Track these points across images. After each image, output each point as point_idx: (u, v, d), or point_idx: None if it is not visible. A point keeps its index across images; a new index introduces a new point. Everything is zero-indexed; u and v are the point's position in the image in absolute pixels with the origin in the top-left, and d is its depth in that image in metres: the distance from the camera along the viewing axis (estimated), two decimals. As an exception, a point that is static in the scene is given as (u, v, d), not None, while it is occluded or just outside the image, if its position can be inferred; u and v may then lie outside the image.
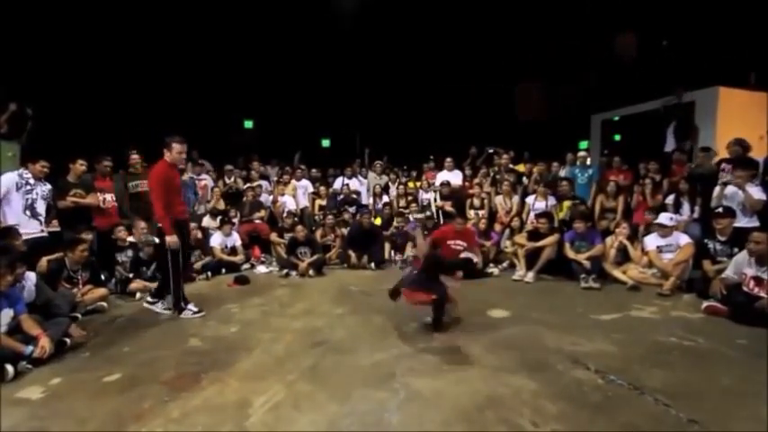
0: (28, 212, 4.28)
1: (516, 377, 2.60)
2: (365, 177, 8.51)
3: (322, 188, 8.06)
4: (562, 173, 7.28)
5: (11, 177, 4.24)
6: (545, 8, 10.37)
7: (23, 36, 7.57)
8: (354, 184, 8.16)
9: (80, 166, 5.15)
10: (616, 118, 10.54)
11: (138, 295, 4.70)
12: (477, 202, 6.99)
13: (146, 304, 4.24)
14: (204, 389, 2.53)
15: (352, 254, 6.30)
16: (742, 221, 4.49)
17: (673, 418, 2.15)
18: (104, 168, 5.57)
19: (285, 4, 10.43)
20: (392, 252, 6.57)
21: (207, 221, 6.63)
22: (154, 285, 4.82)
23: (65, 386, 2.62)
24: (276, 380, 2.63)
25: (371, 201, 7.91)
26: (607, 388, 2.46)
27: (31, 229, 4.25)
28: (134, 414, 2.26)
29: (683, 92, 8.17)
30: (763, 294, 3.54)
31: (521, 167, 8.01)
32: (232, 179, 7.77)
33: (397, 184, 8.32)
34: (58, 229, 4.83)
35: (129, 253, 5.10)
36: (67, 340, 3.19)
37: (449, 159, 8.02)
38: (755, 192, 4.52)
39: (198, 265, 5.74)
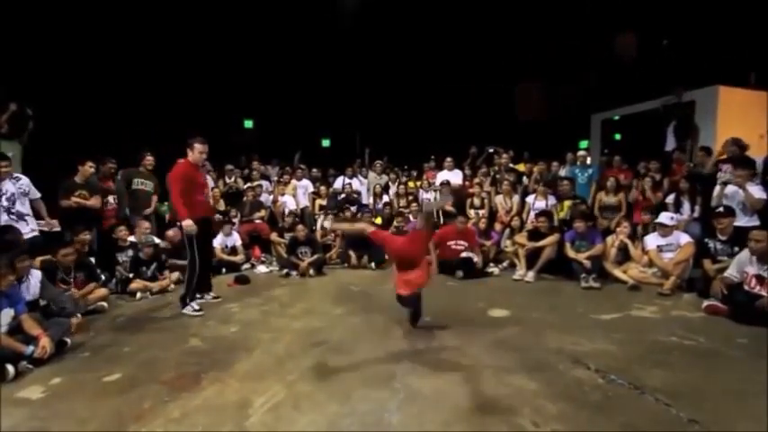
0: (12, 216, 4.12)
1: (516, 377, 2.59)
2: (365, 177, 8.51)
3: (322, 188, 8.07)
4: (562, 172, 7.28)
5: None
6: (545, 8, 10.37)
7: (25, 37, 7.57)
8: (355, 183, 8.16)
9: (89, 168, 5.21)
10: (616, 117, 10.54)
11: (138, 295, 4.70)
12: (477, 201, 6.99)
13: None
14: (204, 389, 2.53)
15: (353, 254, 6.30)
16: (742, 221, 4.49)
17: (673, 417, 2.15)
18: (109, 170, 5.67)
19: (285, 4, 10.42)
20: (392, 252, 6.56)
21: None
22: (154, 285, 4.85)
23: (65, 386, 2.62)
24: (276, 380, 2.62)
25: (372, 200, 7.91)
26: (607, 388, 2.46)
27: (21, 230, 4.13)
28: (134, 414, 2.26)
29: (682, 91, 8.17)
30: (764, 293, 3.54)
31: (521, 167, 8.01)
32: (232, 179, 7.77)
33: (397, 183, 8.31)
34: (58, 229, 4.82)
35: (130, 253, 5.10)
36: (68, 340, 3.19)
37: (449, 159, 8.02)
38: (756, 191, 4.52)
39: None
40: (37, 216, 4.49)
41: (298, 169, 8.26)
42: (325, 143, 13.20)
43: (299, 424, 2.15)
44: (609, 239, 5.33)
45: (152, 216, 5.93)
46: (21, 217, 4.21)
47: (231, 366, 2.85)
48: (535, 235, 5.51)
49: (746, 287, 3.70)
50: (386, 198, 7.89)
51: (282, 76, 11.86)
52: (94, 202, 5.25)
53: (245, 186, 7.40)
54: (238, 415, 2.24)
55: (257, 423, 2.17)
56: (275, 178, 8.40)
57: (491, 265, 5.86)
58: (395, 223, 6.76)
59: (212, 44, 10.39)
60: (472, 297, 4.55)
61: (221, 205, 7.06)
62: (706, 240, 4.57)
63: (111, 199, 5.61)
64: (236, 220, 6.69)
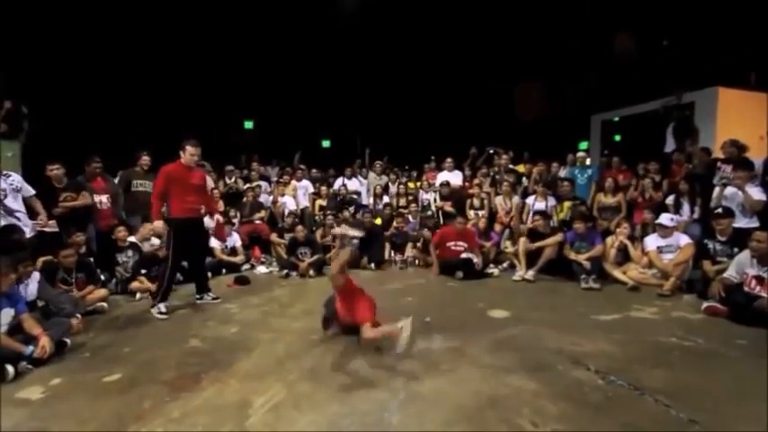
0: (1, 211, 4.05)
1: (516, 377, 2.60)
2: (365, 178, 8.51)
3: (323, 188, 8.07)
4: (562, 173, 7.29)
5: None
6: (545, 8, 10.38)
7: (22, 37, 7.57)
8: (355, 184, 8.16)
9: (54, 171, 4.88)
10: (616, 118, 10.56)
11: (138, 295, 4.70)
12: (476, 202, 6.99)
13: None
14: (204, 389, 2.53)
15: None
16: (742, 222, 4.50)
17: (673, 418, 2.15)
18: (93, 169, 5.46)
19: (285, 4, 10.43)
20: (392, 252, 6.57)
21: (207, 222, 6.61)
22: (154, 286, 4.84)
23: (65, 386, 2.62)
24: (276, 380, 2.62)
25: (372, 201, 7.92)
26: (607, 388, 2.46)
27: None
28: (134, 414, 2.26)
29: (682, 92, 8.18)
30: (763, 294, 3.54)
31: (521, 168, 8.02)
32: (233, 179, 7.77)
33: (397, 184, 8.32)
34: (56, 229, 4.81)
35: (130, 253, 5.10)
36: (68, 341, 3.19)
37: (449, 159, 8.02)
38: (755, 192, 4.53)
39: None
40: (33, 213, 4.42)
41: (298, 170, 8.27)
42: (326, 144, 13.20)
43: (300, 424, 2.15)
44: (608, 240, 5.34)
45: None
46: (10, 213, 4.12)
47: (231, 366, 2.85)
48: (533, 235, 5.51)
49: (746, 288, 3.71)
50: (386, 199, 7.89)
51: (283, 76, 11.86)
52: (83, 200, 5.04)
53: (245, 187, 7.40)
54: (238, 415, 2.24)
55: (257, 423, 2.17)
56: (275, 179, 8.41)
57: (491, 265, 5.86)
58: (394, 224, 6.76)
59: (212, 45, 10.39)
60: (472, 298, 4.55)
61: (220, 206, 7.05)
62: (706, 241, 4.57)
63: (103, 199, 5.43)
64: (235, 221, 6.68)
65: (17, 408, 2.37)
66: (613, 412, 2.19)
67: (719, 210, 4.49)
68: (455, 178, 7.78)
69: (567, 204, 6.27)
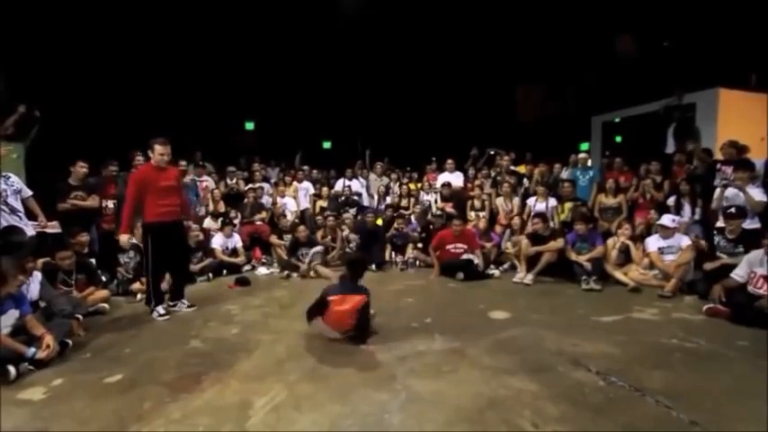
0: (5, 210, 4.11)
1: (517, 379, 2.60)
2: (366, 179, 8.52)
3: (324, 189, 8.07)
4: (563, 174, 7.28)
5: None
6: (545, 9, 10.39)
7: (29, 39, 7.60)
8: (355, 185, 8.16)
9: (80, 168, 5.19)
10: (617, 120, 10.56)
11: (139, 296, 4.70)
12: (477, 203, 6.99)
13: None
14: (205, 390, 2.54)
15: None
16: (744, 223, 4.49)
17: (674, 419, 2.15)
18: (110, 173, 5.69)
19: (286, 5, 10.45)
20: (393, 253, 6.57)
21: (208, 223, 6.65)
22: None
23: (66, 387, 2.63)
24: (277, 381, 2.63)
25: (375, 201, 7.92)
26: (608, 389, 2.46)
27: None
28: (135, 415, 2.27)
29: (682, 93, 8.18)
30: (763, 293, 3.54)
31: (522, 168, 8.02)
32: (234, 180, 7.78)
33: (398, 185, 8.32)
34: (59, 230, 4.83)
35: (131, 254, 5.10)
36: (69, 342, 3.19)
37: (450, 161, 8.02)
38: (756, 193, 4.53)
39: (198, 267, 5.73)
40: (31, 214, 4.48)
41: (300, 171, 8.26)
42: (326, 145, 13.21)
43: (300, 424, 2.16)
44: (610, 241, 5.33)
45: None
46: (13, 212, 4.18)
47: (232, 367, 2.85)
48: (534, 238, 5.48)
49: (750, 287, 3.70)
50: (388, 200, 7.89)
51: (283, 77, 11.88)
52: (92, 201, 5.23)
53: (246, 188, 7.42)
54: (239, 416, 2.24)
55: (258, 424, 2.17)
56: (274, 180, 8.41)
57: (492, 267, 5.85)
58: (395, 225, 6.77)
59: (213, 46, 10.41)
60: (473, 299, 4.55)
61: (221, 207, 7.07)
62: (714, 233, 4.58)
63: (110, 204, 5.59)
64: (236, 222, 6.69)
65: (19, 408, 2.38)
66: (614, 413, 2.19)
67: (732, 209, 4.46)
68: (456, 179, 7.77)
69: (568, 205, 6.26)
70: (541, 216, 5.60)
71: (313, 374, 2.72)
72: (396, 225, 6.76)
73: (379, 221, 7.07)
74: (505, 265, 5.96)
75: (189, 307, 4.28)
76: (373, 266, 6.18)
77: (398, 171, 9.08)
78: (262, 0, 10.38)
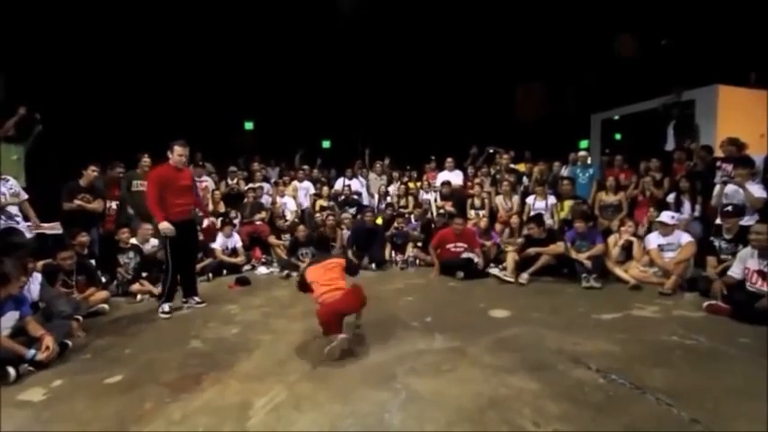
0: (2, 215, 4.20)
1: (517, 377, 2.59)
2: (366, 178, 8.51)
3: (324, 188, 8.07)
4: (563, 172, 7.28)
5: None
6: (545, 8, 10.37)
7: (29, 40, 7.59)
8: (355, 184, 8.15)
9: (92, 172, 5.32)
10: (616, 117, 10.54)
11: (139, 297, 4.71)
12: (477, 202, 6.98)
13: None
14: (205, 390, 2.54)
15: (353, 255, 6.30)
16: (743, 220, 4.49)
17: (675, 417, 2.15)
18: (117, 175, 5.83)
19: (285, 5, 10.44)
20: (392, 252, 6.57)
21: (208, 223, 6.63)
22: (155, 288, 4.85)
23: (66, 388, 2.63)
24: (277, 381, 2.63)
25: (375, 200, 7.91)
26: (609, 388, 2.45)
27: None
28: (135, 415, 2.27)
29: (681, 90, 8.17)
30: (765, 289, 3.54)
31: (521, 167, 8.01)
32: (234, 180, 7.77)
33: (398, 184, 8.32)
34: (60, 231, 4.83)
35: (131, 254, 5.11)
36: (69, 343, 3.19)
37: (449, 159, 8.01)
38: (756, 190, 4.53)
39: (198, 267, 5.72)
40: (25, 218, 4.56)
41: (300, 170, 8.26)
42: (326, 144, 13.19)
43: (300, 424, 2.16)
44: (611, 239, 5.32)
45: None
46: (10, 217, 4.29)
47: (232, 367, 2.85)
48: (530, 242, 5.41)
49: (748, 284, 3.70)
50: (388, 199, 7.89)
51: (282, 77, 11.86)
52: (96, 205, 5.33)
53: (246, 188, 7.41)
54: (239, 416, 2.24)
55: (258, 424, 2.17)
56: (274, 179, 8.41)
57: (492, 265, 5.84)
58: (395, 224, 6.76)
59: (213, 46, 10.40)
60: (473, 297, 4.55)
61: (221, 208, 7.05)
62: (711, 238, 4.57)
63: (113, 205, 5.73)
64: (236, 222, 6.69)
65: (19, 409, 2.38)
66: (615, 412, 2.19)
67: (729, 208, 4.46)
68: (456, 178, 7.77)
69: (567, 203, 6.26)
70: (537, 220, 5.53)
71: (313, 374, 2.72)
72: (396, 224, 6.76)
73: (379, 221, 7.07)
74: (505, 264, 5.94)
75: (198, 303, 4.40)
76: (373, 265, 6.19)
77: (399, 171, 9.07)
78: (261, 0, 10.37)
